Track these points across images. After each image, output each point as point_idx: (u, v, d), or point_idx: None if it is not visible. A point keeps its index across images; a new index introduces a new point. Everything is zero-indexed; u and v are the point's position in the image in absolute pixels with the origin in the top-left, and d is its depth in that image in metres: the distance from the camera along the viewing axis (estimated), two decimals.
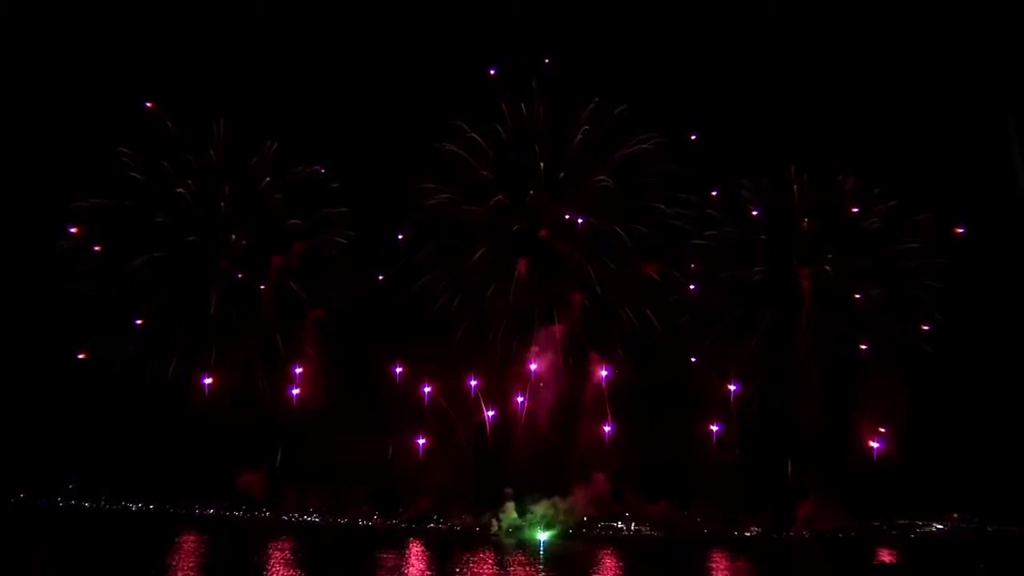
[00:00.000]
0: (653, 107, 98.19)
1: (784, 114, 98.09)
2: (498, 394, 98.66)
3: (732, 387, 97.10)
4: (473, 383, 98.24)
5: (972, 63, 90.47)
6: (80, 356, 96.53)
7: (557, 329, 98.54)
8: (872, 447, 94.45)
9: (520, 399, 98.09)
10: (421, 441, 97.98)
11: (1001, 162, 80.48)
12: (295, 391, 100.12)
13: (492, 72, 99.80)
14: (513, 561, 75.82)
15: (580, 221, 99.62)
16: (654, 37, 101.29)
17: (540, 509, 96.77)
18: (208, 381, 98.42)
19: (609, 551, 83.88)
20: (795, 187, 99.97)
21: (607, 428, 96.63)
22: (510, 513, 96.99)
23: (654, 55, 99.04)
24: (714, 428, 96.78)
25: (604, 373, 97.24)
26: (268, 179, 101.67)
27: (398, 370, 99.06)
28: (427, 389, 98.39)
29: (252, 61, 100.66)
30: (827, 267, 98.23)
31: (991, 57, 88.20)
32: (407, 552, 79.86)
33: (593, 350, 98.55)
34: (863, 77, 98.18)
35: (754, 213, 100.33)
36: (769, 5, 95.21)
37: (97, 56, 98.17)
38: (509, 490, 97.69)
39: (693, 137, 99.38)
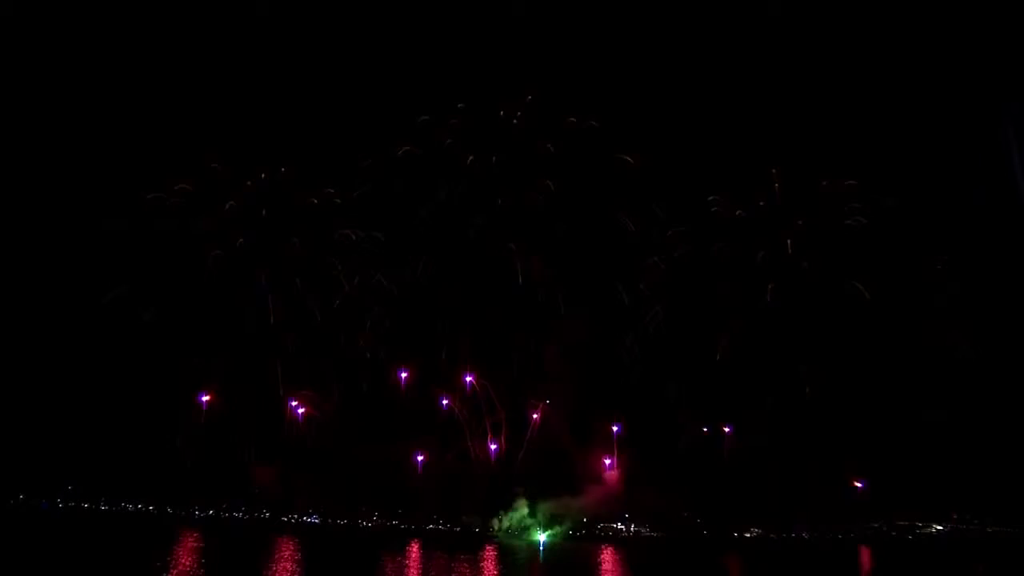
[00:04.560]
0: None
1: (777, 117, 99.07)
2: (511, 394, 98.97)
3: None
4: (483, 383, 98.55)
5: (971, 63, 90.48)
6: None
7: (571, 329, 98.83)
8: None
9: (534, 399, 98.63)
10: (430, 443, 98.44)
11: (1000, 162, 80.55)
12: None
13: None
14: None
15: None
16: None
17: (551, 508, 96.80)
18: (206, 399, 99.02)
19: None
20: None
21: (618, 427, 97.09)
22: (521, 510, 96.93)
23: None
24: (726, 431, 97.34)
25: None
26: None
27: (403, 375, 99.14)
28: (439, 394, 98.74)
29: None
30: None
31: (990, 57, 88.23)
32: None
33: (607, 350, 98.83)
34: (860, 78, 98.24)
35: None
36: (769, 3, 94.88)
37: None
38: (519, 489, 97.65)
39: None
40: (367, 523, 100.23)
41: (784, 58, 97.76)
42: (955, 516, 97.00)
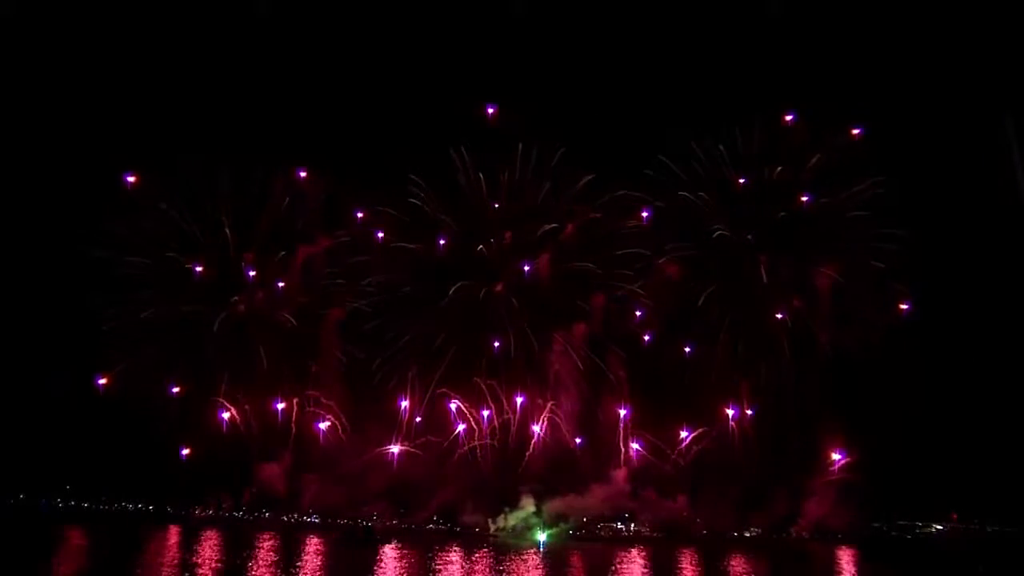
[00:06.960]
0: None
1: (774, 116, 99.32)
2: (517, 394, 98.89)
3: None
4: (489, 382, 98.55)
5: (972, 63, 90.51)
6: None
7: (578, 329, 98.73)
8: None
9: (540, 399, 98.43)
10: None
11: (1000, 162, 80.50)
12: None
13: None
14: None
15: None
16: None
17: (556, 507, 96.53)
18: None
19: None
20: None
21: (624, 418, 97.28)
22: (527, 509, 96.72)
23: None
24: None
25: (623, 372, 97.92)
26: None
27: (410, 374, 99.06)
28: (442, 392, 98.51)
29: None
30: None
31: (991, 57, 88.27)
32: None
33: (613, 349, 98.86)
34: (861, 77, 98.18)
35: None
36: (770, 5, 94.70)
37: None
38: (525, 488, 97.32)
39: None
40: (366, 523, 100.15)
41: (783, 60, 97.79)
42: (955, 516, 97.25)
